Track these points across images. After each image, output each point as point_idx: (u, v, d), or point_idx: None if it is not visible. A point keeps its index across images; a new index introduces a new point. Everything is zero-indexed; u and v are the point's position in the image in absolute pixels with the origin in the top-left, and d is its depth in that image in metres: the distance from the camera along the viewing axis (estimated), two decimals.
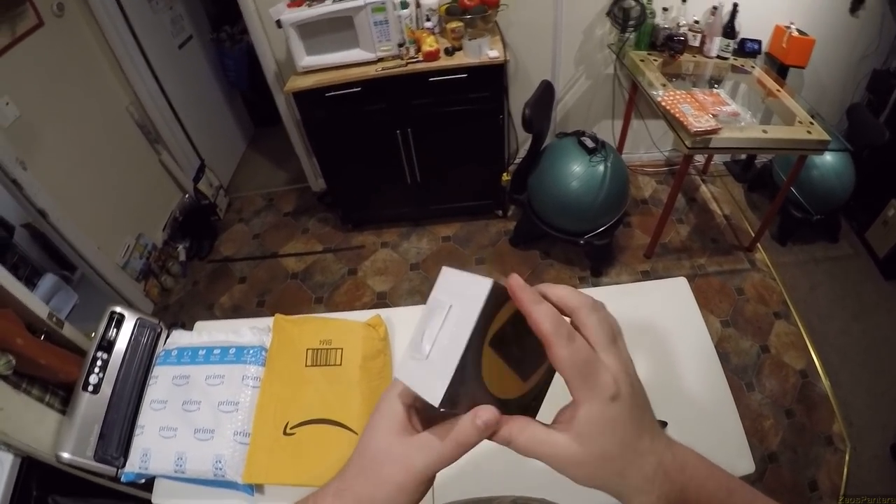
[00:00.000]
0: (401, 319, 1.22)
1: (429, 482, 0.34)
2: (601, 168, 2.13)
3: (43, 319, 1.38)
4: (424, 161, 2.43)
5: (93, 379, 1.12)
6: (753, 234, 2.61)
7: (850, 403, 2.04)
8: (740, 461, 0.96)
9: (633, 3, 2.32)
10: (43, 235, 2.27)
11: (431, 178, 2.51)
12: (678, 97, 2.08)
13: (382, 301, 2.47)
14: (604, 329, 0.33)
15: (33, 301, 1.37)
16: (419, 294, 2.48)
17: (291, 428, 1.00)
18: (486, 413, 0.32)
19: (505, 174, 2.49)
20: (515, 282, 0.33)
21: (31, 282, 2.51)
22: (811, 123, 2.00)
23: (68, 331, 1.45)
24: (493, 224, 2.78)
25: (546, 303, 0.33)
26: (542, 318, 0.32)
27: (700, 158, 2.94)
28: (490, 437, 0.33)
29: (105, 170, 2.43)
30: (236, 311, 2.51)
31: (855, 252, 2.62)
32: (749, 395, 2.05)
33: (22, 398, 1.22)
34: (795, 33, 2.34)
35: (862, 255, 2.60)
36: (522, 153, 2.42)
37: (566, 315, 0.34)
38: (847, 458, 1.89)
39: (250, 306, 2.53)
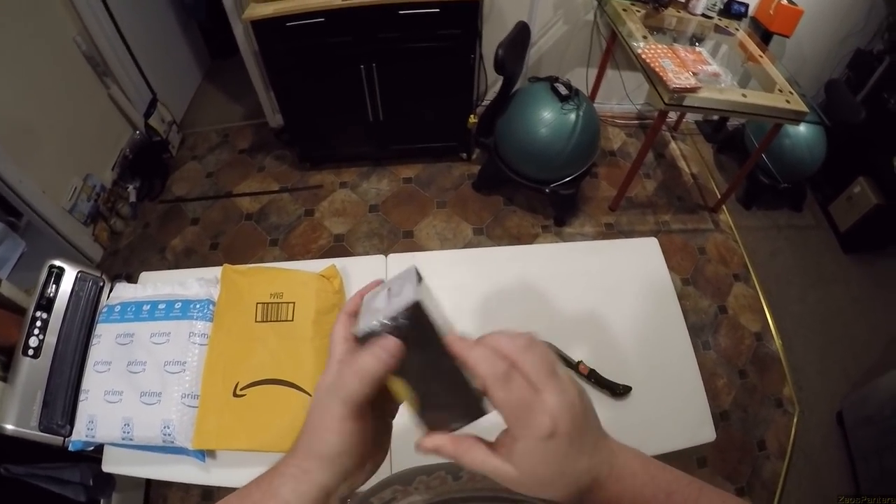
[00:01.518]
0: (356, 270, 1.15)
1: (359, 409, 0.35)
2: (573, 116, 2.07)
3: None
4: (388, 98, 2.32)
5: (32, 342, 1.05)
6: (719, 196, 2.63)
7: (801, 369, 2.11)
8: (702, 429, 0.97)
9: None
10: None
11: (395, 116, 2.40)
12: (659, 51, 2.02)
13: (340, 244, 2.40)
14: (541, 366, 0.33)
15: None
16: (377, 237, 2.41)
17: (241, 389, 0.94)
18: (388, 340, 0.35)
19: (472, 116, 2.40)
20: (451, 338, 0.36)
21: None
22: (791, 93, 1.98)
23: (6, 289, 1.36)
24: (456, 167, 2.70)
25: (482, 346, 0.35)
26: (478, 361, 0.34)
27: (673, 115, 2.91)
28: (438, 453, 0.37)
29: (49, 106, 2.24)
30: (189, 255, 2.41)
31: (817, 223, 2.68)
32: (704, 353, 2.10)
33: None
34: (784, 1, 2.29)
35: (823, 227, 2.65)
36: (491, 95, 2.33)
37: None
38: (795, 420, 1.98)
39: (203, 249, 2.42)
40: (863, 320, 2.31)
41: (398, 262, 1.17)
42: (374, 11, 1.99)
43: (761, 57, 2.19)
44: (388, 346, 0.35)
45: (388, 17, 2.01)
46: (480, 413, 0.37)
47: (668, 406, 0.98)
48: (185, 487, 1.78)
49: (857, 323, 2.30)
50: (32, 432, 0.99)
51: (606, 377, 0.97)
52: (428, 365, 0.36)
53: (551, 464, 0.33)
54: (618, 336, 1.05)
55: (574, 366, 0.98)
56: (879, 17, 2.52)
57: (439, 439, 0.37)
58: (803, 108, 1.93)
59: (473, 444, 0.36)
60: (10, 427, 0.98)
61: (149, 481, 1.78)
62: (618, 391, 0.96)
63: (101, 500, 1.56)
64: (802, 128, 2.34)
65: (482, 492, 0.44)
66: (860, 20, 2.53)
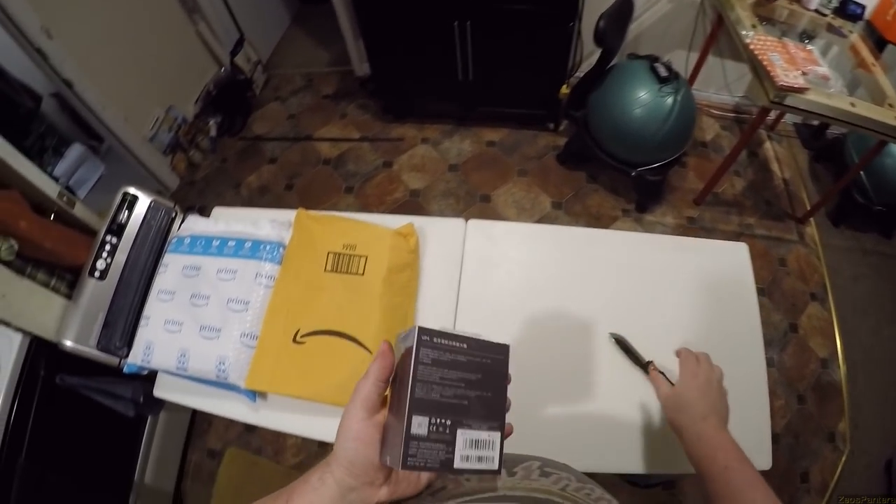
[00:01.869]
0: (434, 230, 1.11)
1: (367, 427, 0.42)
2: (670, 100, 1.96)
3: (53, 199, 1.32)
4: (480, 59, 2.25)
5: (100, 264, 1.07)
6: (809, 207, 2.45)
7: (860, 406, 1.97)
8: (759, 455, 0.91)
9: None
10: (71, 105, 2.20)
11: (485, 77, 2.34)
12: (769, 44, 1.88)
13: (415, 199, 2.38)
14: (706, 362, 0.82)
15: (42, 179, 1.31)
16: (454, 197, 2.38)
17: (302, 336, 0.92)
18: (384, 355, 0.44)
19: (564, 86, 2.32)
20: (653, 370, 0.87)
21: (58, 152, 2.52)
22: None
23: (80, 210, 1.40)
24: (542, 137, 2.62)
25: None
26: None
27: (773, 113, 2.73)
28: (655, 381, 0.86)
29: (136, 39, 2.30)
30: (263, 193, 2.46)
31: None
32: (767, 370, 1.98)
33: (25, 284, 1.20)
34: None
35: None
36: (586, 67, 2.22)
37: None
38: (843, 459, 1.86)
39: (278, 189, 2.46)
40: None
41: (478, 229, 1.13)
42: None
43: (874, 65, 2.00)
44: (382, 352, 0.44)
45: None
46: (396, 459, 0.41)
47: (729, 424, 0.93)
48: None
49: None
50: (90, 350, 1.02)
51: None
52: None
53: (688, 388, 0.76)
54: (690, 341, 0.97)
55: (644, 365, 0.93)
56: None
57: (657, 375, 0.83)
58: None
59: (664, 381, 0.83)
60: (69, 343, 1.01)
61: None
62: None
63: (149, 417, 1.64)
64: None
65: (535, 493, 0.43)
66: None
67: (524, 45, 2.18)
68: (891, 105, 1.82)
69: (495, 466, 0.41)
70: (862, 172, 2.27)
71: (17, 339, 1.19)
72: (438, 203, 2.35)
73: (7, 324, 1.15)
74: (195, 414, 1.88)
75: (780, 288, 2.22)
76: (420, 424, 0.39)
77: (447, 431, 0.40)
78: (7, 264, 1.16)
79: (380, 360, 0.43)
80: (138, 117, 2.33)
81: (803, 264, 2.31)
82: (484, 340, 0.43)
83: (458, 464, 0.40)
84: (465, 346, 0.42)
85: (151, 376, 1.05)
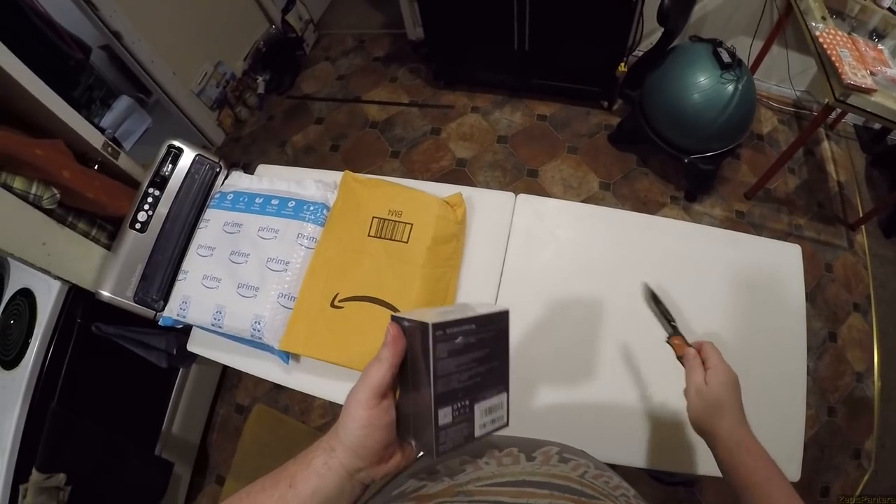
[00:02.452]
0: (482, 202, 1.09)
1: (378, 400, 0.42)
2: (730, 88, 1.90)
3: (97, 149, 1.33)
4: (537, 29, 2.20)
5: (141, 216, 1.08)
6: (861, 214, 2.37)
7: (890, 426, 1.92)
8: (789, 465, 0.90)
9: None
10: (120, 57, 2.22)
11: (541, 48, 2.28)
12: (839, 39, 1.81)
13: (461, 169, 2.37)
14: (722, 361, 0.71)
15: (87, 129, 1.31)
16: (501, 169, 2.36)
17: (340, 301, 0.91)
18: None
19: (622, 64, 2.27)
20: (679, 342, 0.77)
21: (106, 103, 2.59)
22: None
23: (124, 161, 1.40)
24: (595, 114, 2.57)
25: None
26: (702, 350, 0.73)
27: (834, 112, 2.63)
28: (684, 357, 0.73)
29: None
30: (308, 153, 2.47)
31: None
32: (806, 388, 1.95)
33: (66, 233, 1.21)
34: None
35: None
36: (646, 46, 2.16)
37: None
38: (866, 478, 1.82)
39: (323, 149, 2.47)
40: None
41: (527, 205, 1.10)
42: None
43: None
44: (394, 337, 0.43)
45: None
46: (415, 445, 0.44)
47: (762, 430, 0.90)
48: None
49: None
50: (127, 302, 1.04)
51: None
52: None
53: (725, 384, 0.66)
54: (731, 339, 0.95)
55: (671, 327, 0.85)
56: None
57: (692, 352, 0.71)
58: None
59: (700, 366, 0.70)
60: (106, 294, 1.03)
61: None
62: None
63: (181, 369, 1.67)
64: None
65: (554, 479, 0.42)
66: None
67: (584, 17, 2.12)
68: None
69: (505, 421, 0.45)
70: None
71: (55, 285, 1.21)
72: (485, 174, 2.33)
73: (47, 272, 1.16)
74: (226, 369, 1.91)
75: (823, 294, 2.16)
76: (445, 415, 0.40)
77: (467, 411, 0.42)
78: (49, 213, 1.17)
79: (392, 345, 0.43)
80: (186, 71, 2.35)
81: (850, 272, 2.24)
82: (486, 314, 0.44)
83: (478, 432, 0.43)
84: (473, 326, 0.42)
85: (186, 330, 1.06)
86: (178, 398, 1.68)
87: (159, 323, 1.03)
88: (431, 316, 0.41)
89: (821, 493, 1.77)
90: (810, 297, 2.13)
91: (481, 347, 0.43)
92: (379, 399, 0.42)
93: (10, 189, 1.09)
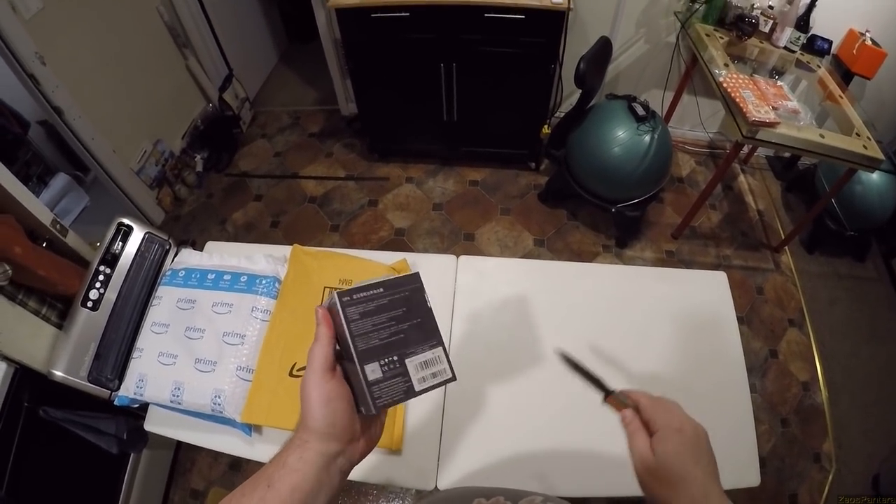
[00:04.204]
0: (426, 267, 1.15)
1: (328, 377, 0.44)
2: (647, 139, 2.04)
3: (46, 226, 1.31)
4: (464, 99, 2.32)
5: (93, 294, 1.06)
6: (783, 236, 2.54)
7: (843, 426, 2.02)
8: (747, 472, 0.95)
9: None
10: (59, 133, 2.19)
11: (468, 118, 2.40)
12: (741, 81, 1.97)
13: (400, 238, 2.41)
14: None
15: (37, 206, 1.30)
16: (438, 236, 2.42)
17: (298, 370, 0.94)
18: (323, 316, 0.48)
19: (545, 126, 2.39)
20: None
21: (43, 180, 2.50)
22: (868, 138, 1.90)
23: (72, 239, 1.39)
24: (523, 175, 2.69)
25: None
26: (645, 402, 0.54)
27: (745, 148, 2.83)
28: (623, 420, 0.55)
29: (128, 70, 2.31)
30: (249, 230, 2.46)
31: (878, 276, 2.56)
32: (750, 396, 2.02)
33: (17, 311, 1.17)
34: (869, 42, 2.20)
35: (885, 281, 2.53)
36: (566, 107, 2.31)
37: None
38: (830, 478, 1.89)
39: (264, 226, 2.47)
40: None
41: (469, 265, 1.17)
42: (460, 11, 1.99)
43: (841, 97, 2.11)
44: (323, 316, 0.47)
45: (472, 19, 2.01)
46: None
47: (717, 445, 0.96)
48: (215, 454, 1.81)
49: None
50: (81, 382, 1.01)
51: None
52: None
53: (678, 454, 0.47)
54: (675, 366, 1.03)
55: (605, 391, 0.87)
56: None
57: (629, 414, 0.54)
58: (879, 154, 1.85)
59: (640, 429, 0.52)
60: (59, 373, 1.00)
61: (179, 443, 1.82)
62: None
63: (132, 455, 1.60)
64: (875, 176, 2.25)
65: None
66: None
67: (507, 86, 2.25)
68: (858, 134, 1.91)
69: (449, 375, 0.47)
70: (833, 200, 2.36)
71: (1, 367, 1.16)
72: (423, 241, 2.38)
73: None
74: (178, 452, 1.84)
75: (758, 315, 2.27)
76: (373, 370, 0.44)
77: (398, 365, 0.45)
78: None
79: (324, 324, 0.46)
80: (126, 149, 2.32)
81: (780, 292, 2.37)
82: (395, 277, 0.48)
83: (418, 387, 0.45)
84: (381, 290, 0.46)
85: (135, 413, 1.04)
86: (129, 486, 1.60)
87: (115, 402, 1.01)
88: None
89: (790, 500, 1.82)
90: (746, 320, 2.24)
91: (396, 307, 0.46)
92: (330, 373, 0.44)
93: None
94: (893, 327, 2.37)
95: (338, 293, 0.45)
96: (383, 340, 0.45)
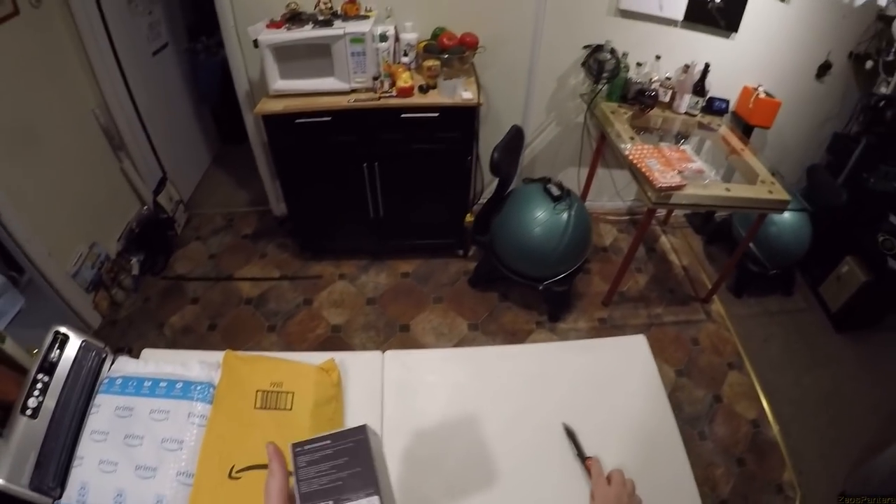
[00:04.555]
0: (354, 365, 1.20)
1: None
2: (564, 216, 2.16)
3: None
4: (389, 196, 2.42)
5: (32, 402, 1.04)
6: (710, 286, 2.68)
7: (800, 452, 2.08)
8: None
9: (609, 57, 2.39)
10: None
11: (395, 213, 2.49)
12: (645, 151, 2.13)
13: (337, 334, 2.42)
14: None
15: None
16: (374, 329, 2.44)
17: (237, 472, 0.96)
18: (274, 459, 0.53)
19: (469, 215, 2.50)
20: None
21: None
22: (772, 183, 2.07)
23: (9, 346, 1.40)
24: (453, 263, 2.77)
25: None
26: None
27: (662, 211, 3.01)
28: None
29: (64, 172, 2.32)
30: (186, 333, 2.42)
31: (808, 305, 2.72)
32: (701, 443, 2.08)
33: None
34: (763, 95, 2.44)
35: (815, 309, 2.69)
36: (487, 194, 2.43)
37: None
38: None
39: (201, 329, 2.44)
40: (860, 398, 2.30)
41: (395, 359, 1.22)
42: (378, 114, 2.12)
43: (743, 150, 2.29)
44: (273, 451, 0.53)
45: (390, 120, 2.13)
46: None
47: (659, 489, 0.98)
48: None
49: (854, 401, 2.29)
50: (22, 490, 0.97)
51: None
52: None
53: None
54: (608, 432, 1.07)
55: (583, 459, 1.00)
56: (853, 100, 2.63)
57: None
58: (786, 196, 2.01)
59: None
60: (0, 482, 0.96)
61: None
62: None
63: None
64: (787, 215, 2.41)
65: None
66: (835, 105, 2.66)
67: (428, 179, 2.37)
68: (762, 181, 2.08)
69: None
70: (751, 245, 2.52)
71: None
72: (360, 336, 2.40)
73: None
74: None
75: (696, 366, 2.36)
76: None
77: None
78: None
79: (276, 458, 0.52)
80: (62, 252, 2.29)
81: (715, 339, 2.48)
82: (342, 430, 0.53)
83: None
84: (328, 441, 0.53)
85: None
86: None
87: None
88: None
89: None
90: (686, 372, 2.32)
91: (339, 457, 0.51)
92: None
93: None
94: (830, 350, 2.51)
95: (292, 445, 0.53)
96: (322, 486, 0.50)
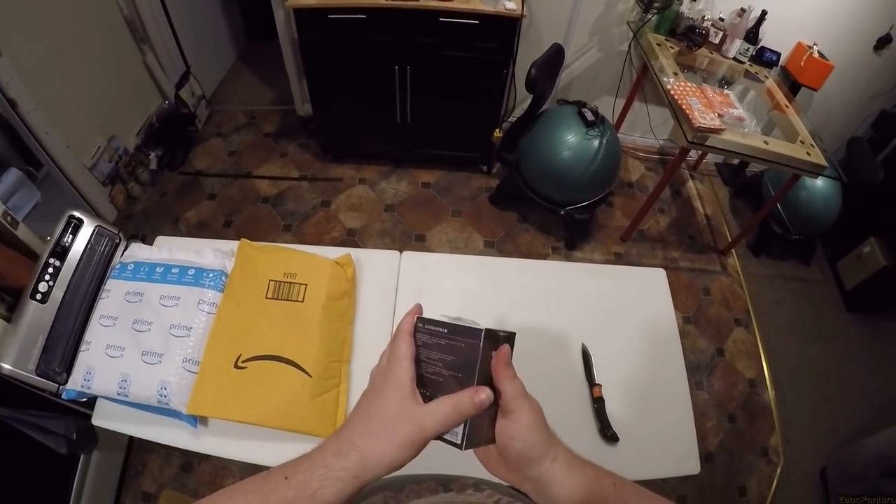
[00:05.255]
0: (370, 262, 1.17)
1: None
2: (596, 143, 2.10)
3: None
4: (418, 102, 2.35)
5: (42, 287, 1.04)
6: (730, 240, 2.64)
7: (790, 421, 2.11)
8: (687, 461, 0.99)
9: None
10: (10, 127, 2.12)
11: (422, 120, 2.43)
12: (688, 89, 2.04)
13: (352, 238, 2.42)
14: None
15: None
16: (390, 237, 2.43)
17: (243, 361, 0.95)
18: (483, 392, 0.42)
19: (497, 130, 2.43)
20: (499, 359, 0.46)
21: None
22: (812, 146, 2.00)
23: (22, 232, 1.38)
24: (475, 178, 2.73)
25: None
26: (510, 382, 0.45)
27: (693, 154, 2.93)
28: (481, 406, 0.43)
29: (85, 64, 2.26)
30: (202, 229, 2.43)
31: (823, 278, 2.68)
32: (697, 393, 2.10)
33: None
34: (816, 55, 2.32)
35: (830, 283, 2.65)
36: (518, 112, 2.35)
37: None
38: (778, 471, 1.97)
39: (217, 225, 2.44)
40: (858, 380, 2.30)
41: (412, 260, 1.20)
42: (416, 15, 2.03)
43: (787, 107, 2.21)
44: (484, 397, 0.42)
45: (428, 23, 2.04)
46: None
47: (658, 434, 1.00)
48: (166, 456, 1.80)
49: (851, 382, 2.29)
50: (29, 375, 0.99)
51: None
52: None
53: (535, 426, 0.44)
54: (615, 360, 1.07)
55: (591, 384, 1.01)
56: None
57: (487, 393, 0.43)
58: (823, 161, 1.94)
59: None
60: (6, 366, 0.98)
61: (130, 444, 1.80)
62: (606, 433, 0.96)
63: (82, 456, 1.56)
64: (820, 182, 2.35)
65: None
66: (888, 82, 2.54)
67: (460, 90, 2.29)
68: (802, 142, 2.00)
69: (457, 441, 0.44)
70: (778, 205, 2.46)
71: None
72: (375, 242, 2.39)
73: None
74: (129, 455, 1.82)
75: (705, 316, 2.35)
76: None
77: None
78: None
79: (408, 338, 0.47)
80: (80, 145, 2.27)
81: (727, 293, 2.46)
82: (462, 325, 0.47)
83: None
84: (444, 330, 0.47)
85: (85, 413, 1.03)
86: (80, 488, 1.55)
87: (62, 396, 0.99)
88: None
89: (739, 493, 1.89)
90: (693, 320, 2.32)
91: (448, 352, 0.46)
92: (416, 397, 0.42)
93: None
94: (838, 327, 2.49)
95: (418, 317, 0.48)
96: (426, 374, 0.46)
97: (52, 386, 1.01)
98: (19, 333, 1.00)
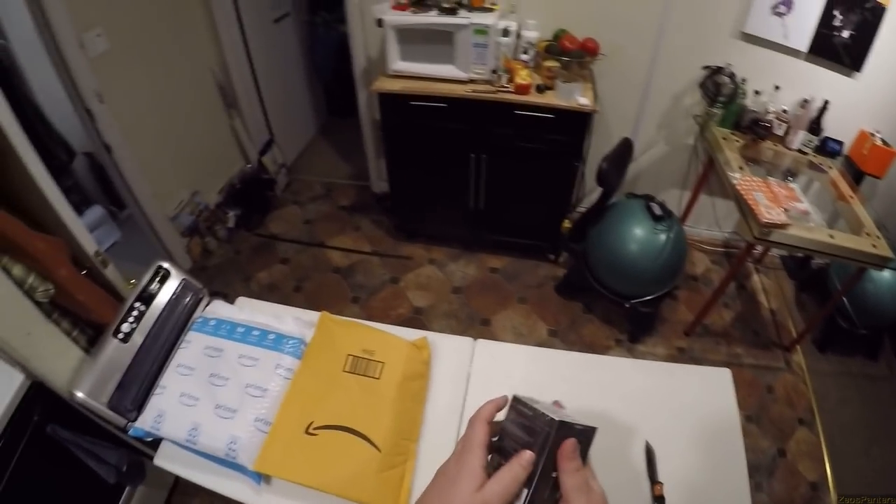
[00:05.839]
0: (443, 347, 1.20)
1: None
2: (663, 237, 2.11)
3: (89, 255, 1.41)
4: (491, 189, 2.44)
5: (125, 327, 1.09)
6: (795, 335, 2.55)
7: None
8: None
9: (727, 80, 2.31)
10: (101, 167, 2.29)
11: (493, 207, 2.52)
12: (753, 184, 2.05)
13: (418, 317, 2.47)
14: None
15: (84, 235, 1.39)
16: (455, 318, 2.47)
17: (315, 428, 0.97)
18: (525, 453, 0.47)
19: (566, 220, 2.49)
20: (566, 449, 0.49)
21: (79, 209, 2.54)
22: (878, 237, 1.96)
23: (111, 272, 1.47)
24: (542, 266, 2.76)
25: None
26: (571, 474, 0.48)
27: (758, 248, 2.89)
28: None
29: (177, 121, 2.47)
30: (272, 290, 2.54)
31: (891, 374, 2.53)
32: (757, 495, 1.99)
33: (49, 328, 1.23)
34: (879, 142, 2.29)
35: None
36: (587, 203, 2.41)
37: None
38: None
39: (286, 289, 2.55)
40: None
41: (485, 349, 1.23)
42: (493, 107, 2.14)
43: (852, 197, 2.17)
44: (528, 458, 0.47)
45: (504, 115, 2.15)
46: None
47: None
48: (209, 501, 1.81)
49: None
50: (100, 407, 1.02)
51: None
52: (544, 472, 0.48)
53: None
54: (676, 458, 1.04)
55: (653, 482, 0.99)
56: None
57: (529, 454, 0.48)
58: (888, 253, 1.89)
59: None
60: (80, 395, 1.01)
61: (175, 485, 1.83)
62: None
63: (127, 488, 1.59)
64: (887, 273, 2.26)
65: None
66: None
67: (532, 179, 2.37)
68: (868, 234, 1.96)
69: None
70: (845, 298, 2.37)
71: (18, 378, 1.19)
72: (440, 323, 2.43)
73: (21, 363, 1.16)
74: (171, 496, 1.83)
75: (767, 415, 2.26)
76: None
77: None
78: (37, 305, 1.19)
79: (502, 399, 0.54)
80: (165, 195, 2.44)
81: (790, 390, 2.37)
82: (543, 412, 0.50)
83: None
84: (530, 413, 0.51)
85: (138, 449, 1.06)
86: None
87: (129, 432, 1.03)
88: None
89: None
90: (755, 419, 2.23)
91: (527, 433, 0.50)
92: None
93: (8, 273, 1.12)
94: None
95: (514, 396, 0.53)
96: (502, 444, 0.51)
97: (121, 421, 1.04)
98: (97, 367, 1.05)
